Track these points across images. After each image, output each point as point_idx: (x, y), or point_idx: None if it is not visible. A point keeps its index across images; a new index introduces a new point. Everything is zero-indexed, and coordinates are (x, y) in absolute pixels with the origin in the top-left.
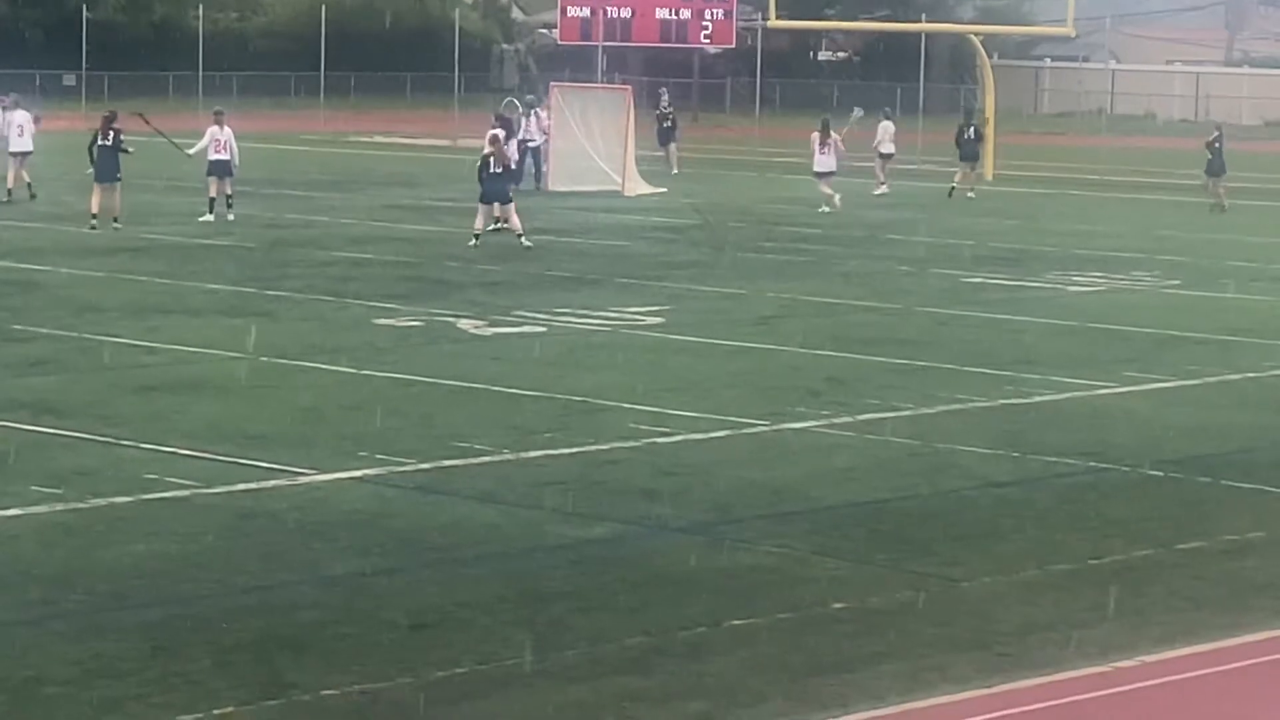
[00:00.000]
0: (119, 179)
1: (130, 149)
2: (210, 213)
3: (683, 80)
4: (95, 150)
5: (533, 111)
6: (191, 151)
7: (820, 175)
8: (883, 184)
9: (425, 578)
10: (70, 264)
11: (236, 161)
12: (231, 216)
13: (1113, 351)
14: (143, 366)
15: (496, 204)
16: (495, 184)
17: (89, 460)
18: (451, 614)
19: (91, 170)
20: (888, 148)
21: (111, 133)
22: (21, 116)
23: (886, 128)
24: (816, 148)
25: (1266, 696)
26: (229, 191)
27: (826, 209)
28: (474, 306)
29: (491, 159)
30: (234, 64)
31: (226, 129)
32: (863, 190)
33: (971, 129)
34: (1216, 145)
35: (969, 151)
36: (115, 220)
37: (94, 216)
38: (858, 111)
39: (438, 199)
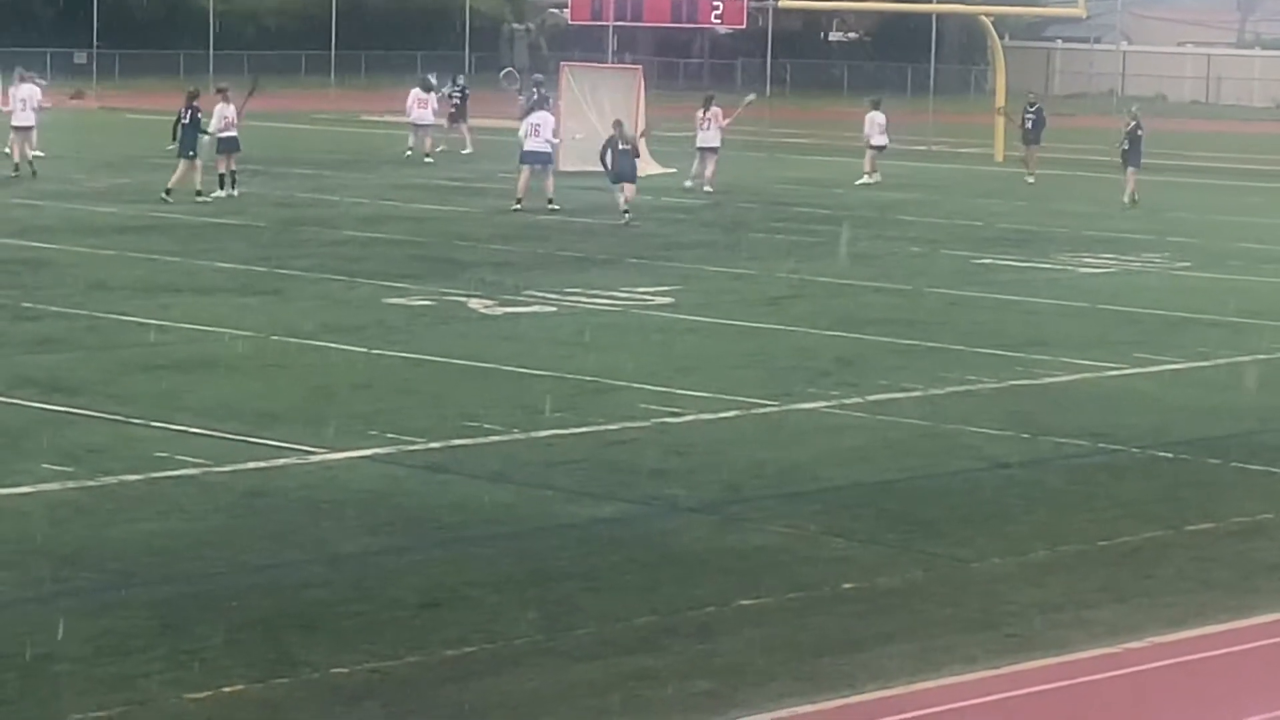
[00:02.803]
0: (193, 155)
1: (209, 132)
2: (222, 188)
3: (693, 60)
4: (179, 129)
5: (538, 91)
6: (210, 131)
7: (702, 151)
8: (870, 174)
9: (435, 557)
10: (80, 242)
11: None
12: (236, 192)
13: (1122, 333)
14: (153, 345)
15: (625, 183)
16: (624, 162)
17: (99, 438)
18: (461, 593)
19: (174, 146)
20: (879, 140)
21: (190, 111)
22: (27, 90)
23: (874, 118)
24: (699, 123)
25: (1276, 678)
26: (234, 167)
27: (689, 184)
28: (484, 286)
29: (617, 140)
30: (245, 42)
31: (232, 106)
32: (849, 175)
33: (1035, 109)
34: (1138, 133)
35: (1035, 134)
36: (199, 194)
37: (168, 191)
38: (750, 96)
39: (449, 178)
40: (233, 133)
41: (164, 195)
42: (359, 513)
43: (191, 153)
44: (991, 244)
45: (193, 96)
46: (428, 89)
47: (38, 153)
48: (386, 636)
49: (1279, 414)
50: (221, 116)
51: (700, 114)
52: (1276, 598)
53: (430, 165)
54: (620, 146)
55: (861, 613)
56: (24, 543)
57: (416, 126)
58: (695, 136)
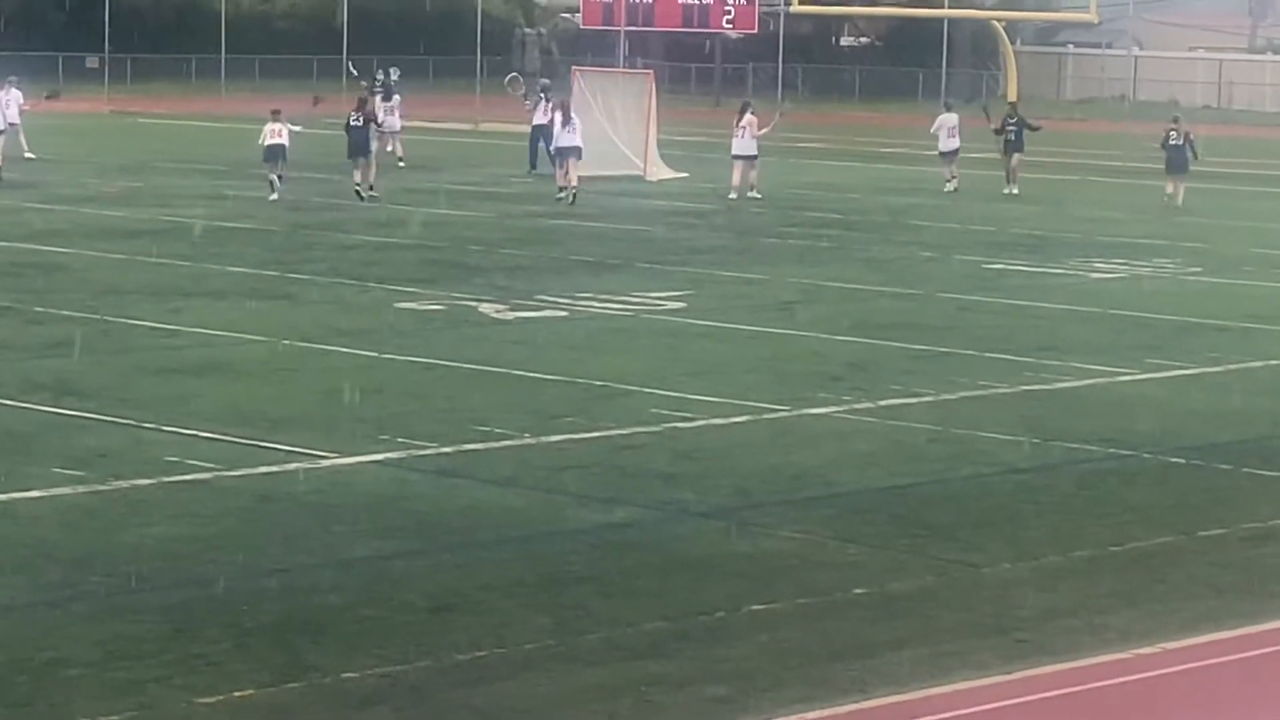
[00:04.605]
0: (370, 154)
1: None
2: (274, 191)
3: (705, 65)
4: (349, 130)
5: (545, 96)
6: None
7: (737, 158)
8: (952, 178)
9: (445, 561)
10: (91, 246)
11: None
12: (275, 196)
13: (1134, 338)
14: (164, 349)
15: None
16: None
17: (111, 442)
18: (471, 597)
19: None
20: (946, 144)
21: (362, 115)
22: (13, 95)
23: (945, 120)
24: (734, 131)
25: None
26: (280, 173)
27: (734, 195)
28: (496, 291)
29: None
30: (256, 47)
31: (283, 123)
32: (878, 180)
33: (1015, 120)
34: (1172, 141)
35: (1018, 144)
36: (371, 189)
37: (358, 185)
38: (788, 104)
39: (460, 183)
40: (281, 140)
41: (358, 194)
42: (369, 517)
43: (368, 152)
44: (1003, 249)
45: (362, 103)
46: (389, 96)
47: (29, 155)
48: (397, 641)
49: None
50: (269, 129)
51: (735, 121)
52: None
53: (447, 171)
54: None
55: (873, 618)
56: (35, 547)
57: (383, 134)
58: (731, 144)
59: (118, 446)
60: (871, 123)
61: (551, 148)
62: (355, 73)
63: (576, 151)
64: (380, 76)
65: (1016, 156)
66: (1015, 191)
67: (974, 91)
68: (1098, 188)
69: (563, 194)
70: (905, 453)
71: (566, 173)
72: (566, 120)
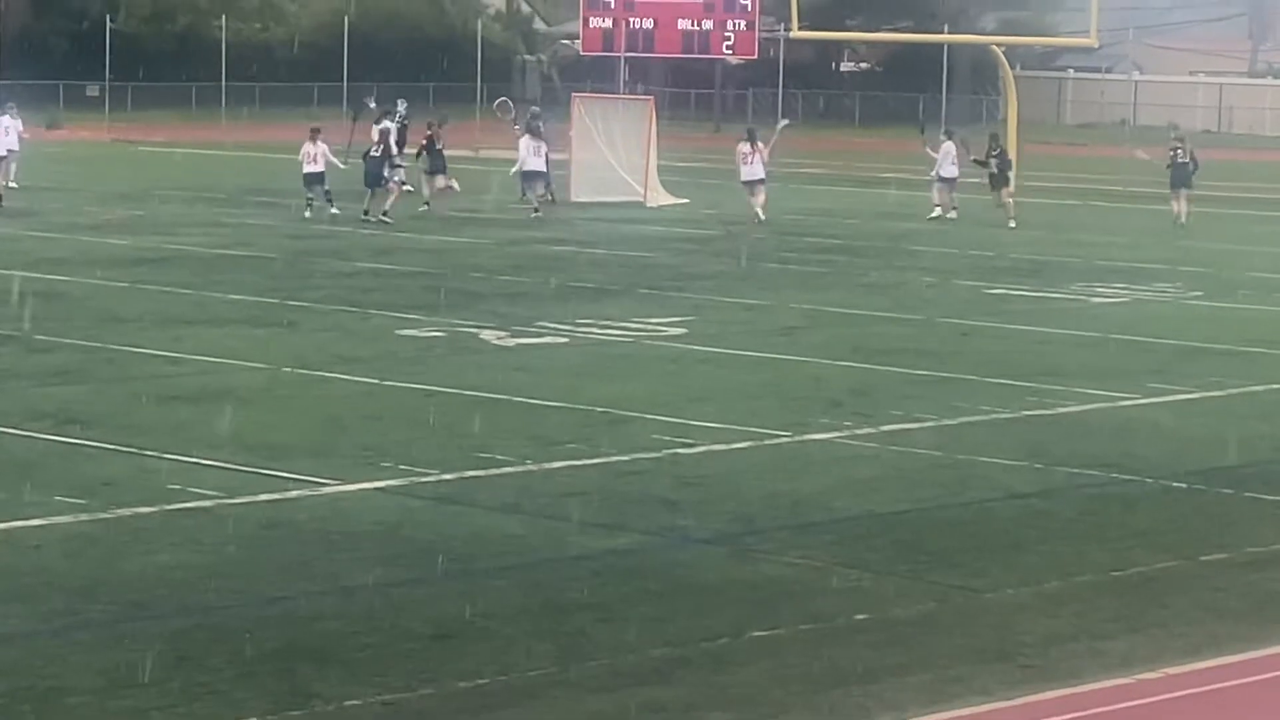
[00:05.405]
0: (384, 183)
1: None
2: (309, 210)
3: (705, 91)
4: (365, 160)
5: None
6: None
7: (748, 184)
8: (953, 208)
9: (447, 588)
10: (93, 274)
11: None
12: (336, 210)
13: (1136, 363)
14: (166, 377)
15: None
16: (436, 159)
17: (113, 470)
18: (473, 624)
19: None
20: (949, 170)
21: (382, 146)
22: (7, 121)
23: (948, 149)
24: (741, 158)
25: None
26: (316, 192)
27: (760, 217)
28: (496, 317)
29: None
30: (257, 74)
31: (320, 144)
32: (878, 205)
33: (999, 152)
34: (1178, 159)
35: (1002, 178)
36: (384, 214)
37: (366, 213)
38: (783, 122)
39: (460, 210)
40: (318, 168)
41: (368, 216)
42: (371, 544)
43: (382, 182)
44: (1004, 274)
45: (385, 134)
46: (379, 121)
47: (12, 184)
48: (399, 668)
49: None
50: (307, 154)
51: (749, 148)
52: None
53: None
54: (436, 145)
55: (875, 644)
56: (37, 575)
57: (395, 165)
58: (740, 170)
59: (120, 474)
60: (871, 148)
61: (517, 170)
62: (374, 105)
63: (543, 177)
64: (389, 107)
65: (1005, 190)
66: (1013, 226)
67: (974, 117)
68: (1098, 212)
69: (537, 211)
70: (907, 478)
71: (538, 194)
72: (535, 143)
